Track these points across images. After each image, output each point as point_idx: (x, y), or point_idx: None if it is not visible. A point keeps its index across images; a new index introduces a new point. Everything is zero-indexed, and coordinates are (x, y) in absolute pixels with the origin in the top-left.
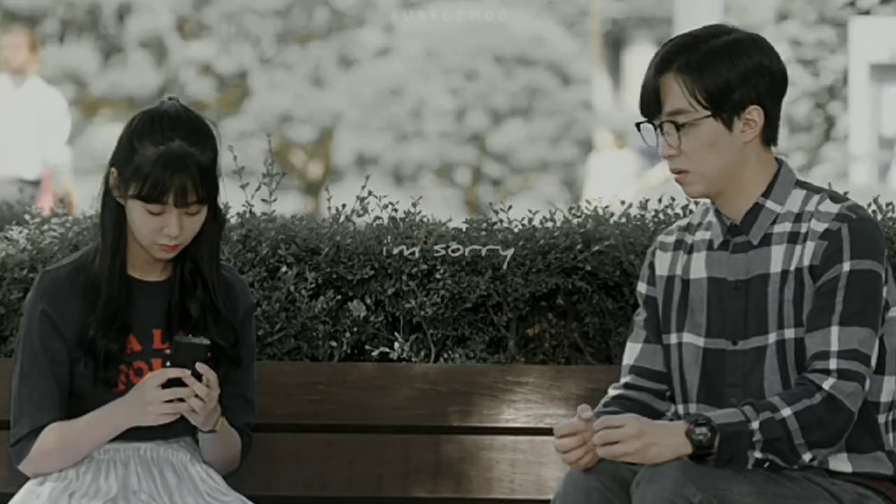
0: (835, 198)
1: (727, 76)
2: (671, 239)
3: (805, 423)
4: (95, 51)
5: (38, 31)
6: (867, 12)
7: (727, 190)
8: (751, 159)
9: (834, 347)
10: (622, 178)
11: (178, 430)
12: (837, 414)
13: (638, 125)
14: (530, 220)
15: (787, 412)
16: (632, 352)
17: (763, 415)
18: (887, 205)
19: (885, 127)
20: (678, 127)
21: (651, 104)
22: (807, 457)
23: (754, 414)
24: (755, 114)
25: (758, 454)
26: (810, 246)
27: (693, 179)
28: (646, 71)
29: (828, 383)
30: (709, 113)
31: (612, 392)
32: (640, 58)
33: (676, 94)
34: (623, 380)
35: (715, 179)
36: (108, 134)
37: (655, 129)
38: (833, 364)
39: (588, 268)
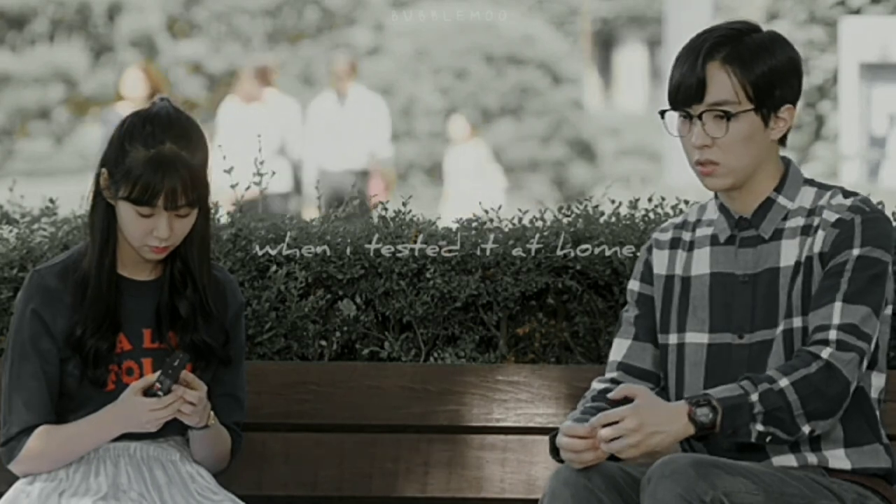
0: (846, 193)
1: (773, 72)
2: (667, 237)
3: (803, 392)
4: (85, 50)
5: (28, 30)
6: (857, 11)
7: (744, 185)
8: (770, 157)
9: (835, 321)
10: (477, 170)
11: (169, 429)
12: (834, 381)
13: (662, 113)
14: (520, 220)
15: (784, 382)
16: (620, 348)
17: (762, 386)
18: (878, 203)
19: (874, 126)
20: (729, 117)
21: (692, 93)
22: (806, 429)
23: (752, 387)
24: (787, 113)
25: (759, 427)
26: (821, 234)
27: (723, 172)
28: (680, 60)
29: (825, 352)
30: (752, 106)
31: (597, 386)
32: (630, 57)
33: (724, 84)
34: (609, 375)
35: (742, 174)
36: (97, 133)
37: (691, 118)
38: (833, 335)
39: (578, 267)
